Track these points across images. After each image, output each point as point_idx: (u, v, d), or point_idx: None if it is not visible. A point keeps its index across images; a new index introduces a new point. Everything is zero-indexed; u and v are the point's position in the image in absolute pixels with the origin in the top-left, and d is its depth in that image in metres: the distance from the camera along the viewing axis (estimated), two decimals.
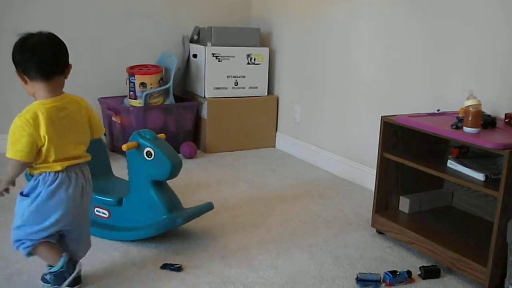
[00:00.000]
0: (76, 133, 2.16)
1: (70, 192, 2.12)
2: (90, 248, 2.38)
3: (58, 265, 2.18)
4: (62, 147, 2.09)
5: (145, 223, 2.68)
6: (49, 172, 2.09)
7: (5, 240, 2.49)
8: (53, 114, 2.06)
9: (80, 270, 2.22)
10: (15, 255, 2.37)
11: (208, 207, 2.82)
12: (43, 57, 2.05)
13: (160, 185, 2.71)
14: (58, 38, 2.15)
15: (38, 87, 2.07)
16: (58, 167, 2.09)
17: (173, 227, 2.68)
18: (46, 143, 2.03)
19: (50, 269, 2.22)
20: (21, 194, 2.15)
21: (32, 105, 2.06)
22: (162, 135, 2.77)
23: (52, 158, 2.07)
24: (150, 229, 2.65)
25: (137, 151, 2.66)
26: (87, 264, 2.44)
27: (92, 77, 4.45)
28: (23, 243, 2.18)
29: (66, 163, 2.11)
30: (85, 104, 2.23)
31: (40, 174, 2.10)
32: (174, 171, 2.65)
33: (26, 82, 2.08)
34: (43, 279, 2.27)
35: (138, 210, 2.70)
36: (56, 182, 2.10)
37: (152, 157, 2.62)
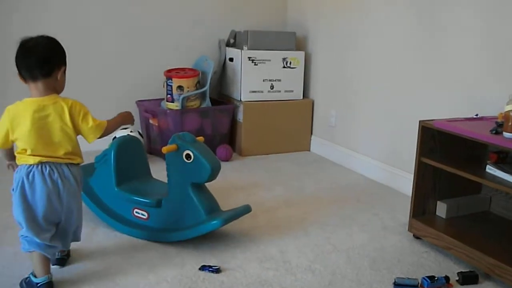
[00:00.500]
0: (52, 135, 2.22)
1: (45, 186, 2.21)
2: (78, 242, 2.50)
3: (39, 279, 2.26)
4: (37, 144, 2.20)
5: (184, 225, 2.72)
6: (25, 164, 2.21)
7: None
8: (33, 113, 2.18)
9: None
10: None
11: (246, 210, 2.85)
12: (30, 61, 2.19)
13: (198, 187, 2.74)
14: (52, 43, 2.27)
15: (29, 87, 2.23)
16: (31, 160, 2.20)
17: (212, 230, 2.71)
18: (18, 136, 2.19)
19: (30, 275, 2.30)
20: (12, 190, 2.26)
21: (19, 101, 2.22)
22: (201, 138, 2.81)
23: (28, 151, 2.20)
24: (189, 231, 2.69)
25: (176, 154, 2.69)
26: (127, 264, 2.50)
27: (130, 80, 4.52)
28: (26, 241, 2.28)
29: (39, 159, 2.20)
30: (74, 110, 2.25)
31: (20, 165, 2.23)
32: (213, 174, 2.68)
33: (24, 82, 2.24)
34: (21, 284, 2.32)
35: (177, 212, 2.75)
36: (30, 174, 2.20)
37: (191, 159, 2.65)
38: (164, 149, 2.68)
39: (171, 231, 2.75)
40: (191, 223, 2.70)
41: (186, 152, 2.66)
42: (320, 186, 3.78)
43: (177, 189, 2.74)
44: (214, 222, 2.64)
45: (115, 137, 3.86)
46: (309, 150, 4.75)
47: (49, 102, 2.21)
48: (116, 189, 2.91)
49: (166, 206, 2.78)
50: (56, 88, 2.26)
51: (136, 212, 2.87)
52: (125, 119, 2.53)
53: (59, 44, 2.28)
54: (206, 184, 2.80)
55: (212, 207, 2.75)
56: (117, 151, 2.92)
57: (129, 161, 2.99)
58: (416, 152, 2.79)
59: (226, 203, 2.99)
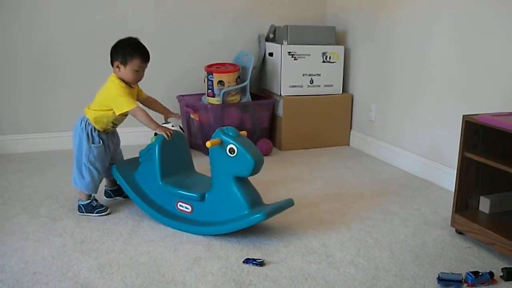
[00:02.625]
0: None
1: None
2: None
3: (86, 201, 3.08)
4: None
5: (228, 218, 2.76)
6: None
7: None
8: None
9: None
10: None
11: (289, 203, 2.87)
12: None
13: (242, 181, 2.78)
14: (115, 43, 3.04)
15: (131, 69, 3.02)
16: None
17: (255, 223, 2.74)
18: None
19: (80, 201, 3.10)
20: None
21: None
22: (244, 132, 2.84)
23: None
24: (232, 224, 2.73)
25: (220, 148, 2.73)
26: (173, 256, 2.55)
27: (171, 76, 4.59)
28: None
29: None
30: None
31: None
32: (256, 168, 2.71)
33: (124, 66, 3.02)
34: (79, 210, 3.10)
35: (221, 205, 2.78)
36: None
37: (235, 153, 2.69)
38: (208, 143, 2.72)
39: (215, 224, 2.79)
40: (235, 216, 2.74)
41: (230, 146, 2.70)
42: (361, 180, 3.79)
43: (221, 182, 2.78)
44: (257, 215, 2.67)
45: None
46: (348, 145, 4.76)
47: None
48: (160, 183, 2.96)
49: (210, 200, 2.82)
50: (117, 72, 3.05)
51: (180, 205, 2.91)
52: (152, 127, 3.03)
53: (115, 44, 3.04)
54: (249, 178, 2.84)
55: (255, 201, 2.78)
56: (162, 146, 2.97)
57: (173, 155, 3.04)
58: (459, 146, 2.78)
59: (268, 197, 3.02)
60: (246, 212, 2.72)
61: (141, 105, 3.14)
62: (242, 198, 2.73)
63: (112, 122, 3.10)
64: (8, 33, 4.14)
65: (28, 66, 4.24)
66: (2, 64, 4.17)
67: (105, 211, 3.10)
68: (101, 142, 3.08)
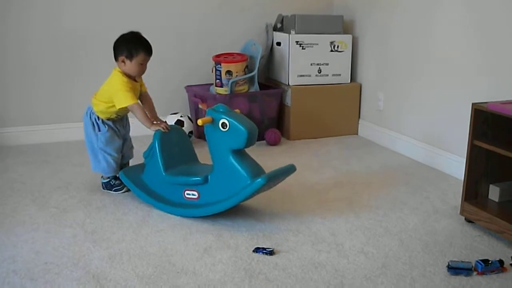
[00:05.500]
0: None
1: None
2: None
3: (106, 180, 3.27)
4: None
5: (232, 193, 2.76)
6: None
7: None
8: None
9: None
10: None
11: (291, 169, 2.88)
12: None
13: (240, 153, 2.80)
14: (117, 38, 3.15)
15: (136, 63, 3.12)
16: None
17: (258, 189, 2.71)
18: None
19: (103, 179, 3.29)
20: None
21: None
22: (237, 111, 2.89)
23: None
24: (236, 196, 2.74)
25: (213, 125, 2.77)
26: (183, 246, 2.56)
27: (179, 66, 4.59)
28: None
29: None
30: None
31: None
32: (251, 138, 2.73)
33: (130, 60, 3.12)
34: (101, 187, 3.31)
35: (224, 182, 2.80)
36: None
37: (228, 127, 2.72)
38: (200, 121, 2.76)
39: (221, 202, 2.80)
40: (238, 189, 2.74)
41: (222, 121, 2.73)
42: (369, 169, 3.79)
43: (220, 160, 2.81)
44: (258, 180, 2.66)
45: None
46: (357, 134, 4.75)
47: None
48: (164, 174, 2.98)
49: (213, 180, 2.84)
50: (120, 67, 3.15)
51: (187, 193, 2.93)
52: (148, 125, 3.11)
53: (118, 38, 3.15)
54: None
55: (256, 171, 2.78)
56: (160, 140, 3.02)
57: (173, 148, 3.08)
58: (469, 135, 2.77)
59: (276, 187, 3.01)
60: (248, 182, 2.72)
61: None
62: (242, 169, 2.74)
63: (115, 113, 3.21)
64: (23, 24, 4.16)
65: (40, 57, 4.26)
66: (15, 55, 4.19)
67: (122, 189, 3.26)
68: (107, 128, 3.20)
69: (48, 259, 2.43)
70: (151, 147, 3.05)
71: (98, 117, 3.19)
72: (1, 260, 2.41)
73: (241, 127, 2.69)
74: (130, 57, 3.07)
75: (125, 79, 3.10)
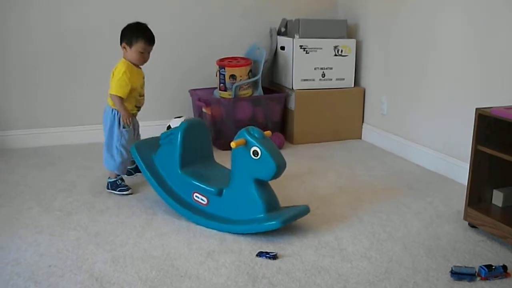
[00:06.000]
0: None
1: None
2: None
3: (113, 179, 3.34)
4: None
5: (242, 218, 2.76)
6: None
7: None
8: None
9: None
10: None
11: (305, 210, 2.85)
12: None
13: (262, 183, 2.77)
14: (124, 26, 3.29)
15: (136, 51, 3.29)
16: None
17: (269, 229, 2.71)
18: None
19: (109, 179, 3.35)
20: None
21: None
22: (268, 133, 2.82)
23: None
24: (247, 226, 2.73)
25: (243, 149, 2.71)
26: (186, 249, 2.56)
27: (183, 70, 4.60)
28: None
29: None
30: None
31: None
32: (278, 173, 2.70)
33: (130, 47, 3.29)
34: (106, 187, 3.36)
35: (237, 203, 2.79)
36: None
37: (258, 156, 2.67)
38: (233, 144, 2.68)
39: (229, 222, 2.79)
40: (250, 217, 2.74)
41: (254, 148, 2.68)
42: (373, 174, 3.79)
43: (240, 182, 2.77)
44: (273, 222, 2.66)
45: (169, 126, 3.95)
46: (360, 138, 4.75)
47: None
48: (179, 171, 2.96)
49: (227, 196, 2.82)
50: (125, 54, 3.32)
51: (196, 196, 2.92)
52: (123, 113, 3.26)
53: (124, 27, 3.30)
54: None
55: (272, 205, 2.78)
56: (184, 134, 2.97)
57: (194, 144, 3.03)
58: (472, 140, 2.77)
59: (280, 191, 3.01)
60: (262, 215, 2.71)
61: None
62: (260, 201, 2.73)
63: (135, 106, 3.37)
64: (25, 25, 4.18)
65: (44, 60, 4.27)
66: (18, 58, 4.20)
67: (127, 191, 3.32)
68: (130, 125, 3.34)
69: (52, 262, 2.44)
70: (173, 133, 3.00)
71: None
72: (5, 263, 2.42)
73: (271, 161, 2.65)
74: (129, 44, 3.24)
75: (126, 66, 3.25)
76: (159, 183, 3.03)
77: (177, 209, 2.95)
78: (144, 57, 3.30)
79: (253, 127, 2.78)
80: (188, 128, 2.99)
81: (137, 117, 3.46)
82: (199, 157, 3.08)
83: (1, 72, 4.18)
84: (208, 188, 2.87)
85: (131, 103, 3.32)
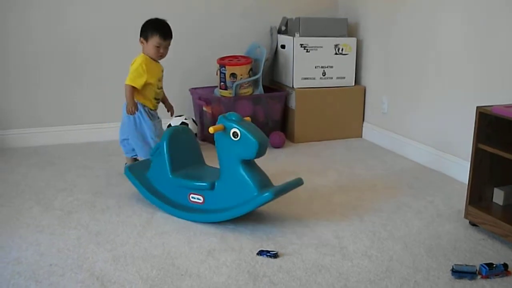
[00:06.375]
0: None
1: None
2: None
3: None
4: None
5: (238, 202, 2.77)
6: None
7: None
8: None
9: None
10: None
11: (298, 182, 2.88)
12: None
13: (249, 164, 2.80)
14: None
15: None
16: None
17: (264, 203, 2.73)
18: None
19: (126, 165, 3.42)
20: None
21: None
22: (247, 118, 2.87)
23: None
24: (242, 207, 2.74)
25: (224, 133, 2.76)
26: (187, 248, 2.56)
27: (184, 68, 4.59)
28: None
29: None
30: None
31: None
32: (261, 149, 2.73)
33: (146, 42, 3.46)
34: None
35: (230, 190, 2.80)
36: None
37: (239, 137, 2.71)
38: (211, 129, 2.74)
39: (226, 210, 2.80)
40: (245, 199, 2.75)
41: (233, 130, 2.72)
42: (373, 172, 3.79)
43: (228, 168, 2.80)
44: (266, 194, 2.68)
45: (170, 124, 3.95)
46: (361, 137, 4.75)
47: None
48: (170, 176, 2.98)
49: (220, 188, 2.84)
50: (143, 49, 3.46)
51: (192, 197, 2.93)
52: (128, 102, 3.38)
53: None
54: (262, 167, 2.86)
55: (263, 183, 2.79)
56: (169, 141, 3.01)
57: (181, 150, 3.08)
58: (473, 138, 2.77)
59: None
60: (255, 194, 2.73)
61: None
62: (250, 180, 2.74)
63: (154, 98, 3.51)
64: (26, 25, 4.18)
65: (44, 59, 4.27)
66: (18, 57, 4.20)
67: None
68: (157, 117, 3.55)
69: (52, 261, 2.44)
70: (159, 146, 3.05)
71: (149, 108, 3.48)
72: (6, 262, 2.42)
73: (252, 138, 2.68)
74: (146, 38, 3.40)
75: (143, 59, 3.39)
76: (156, 197, 3.05)
77: (176, 214, 2.96)
78: (159, 51, 3.42)
79: (230, 112, 2.84)
80: (173, 135, 3.04)
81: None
82: (189, 162, 3.12)
83: (1, 71, 4.18)
84: (200, 184, 2.88)
85: (150, 95, 3.45)
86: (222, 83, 4.28)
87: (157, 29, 3.38)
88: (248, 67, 4.29)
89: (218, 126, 2.76)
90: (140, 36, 3.42)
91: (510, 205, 2.87)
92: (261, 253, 2.53)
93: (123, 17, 4.34)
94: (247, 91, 4.30)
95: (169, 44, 3.47)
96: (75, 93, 4.38)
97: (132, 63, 3.41)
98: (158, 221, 2.90)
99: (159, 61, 3.52)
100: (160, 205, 3.02)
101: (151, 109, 3.50)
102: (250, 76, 4.30)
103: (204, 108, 4.32)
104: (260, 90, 4.38)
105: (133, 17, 4.29)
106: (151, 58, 3.43)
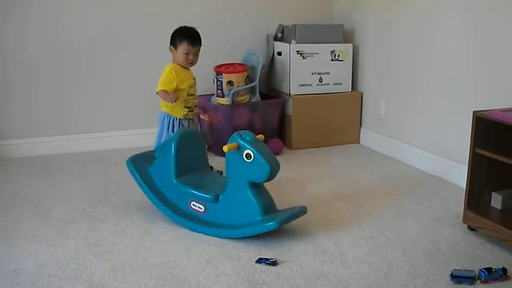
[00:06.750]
0: None
1: None
2: None
3: None
4: None
5: (240, 222, 2.76)
6: None
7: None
8: None
9: None
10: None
11: (302, 211, 2.86)
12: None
13: (257, 186, 2.77)
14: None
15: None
16: None
17: (268, 231, 2.71)
18: None
19: None
20: None
21: None
22: (260, 136, 2.83)
23: None
24: (244, 229, 2.73)
25: (236, 152, 2.72)
26: (185, 257, 2.56)
27: None
28: None
29: None
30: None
31: None
32: (272, 174, 2.70)
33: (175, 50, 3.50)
34: None
35: (234, 208, 2.79)
36: None
37: (251, 159, 2.68)
38: (225, 148, 2.70)
39: (227, 227, 2.79)
40: (247, 221, 2.74)
41: (247, 151, 2.69)
42: (372, 178, 3.79)
43: (236, 186, 2.77)
44: (270, 224, 2.66)
45: None
46: (358, 143, 4.75)
47: None
48: (175, 181, 2.96)
49: (224, 202, 2.82)
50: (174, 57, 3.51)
51: (193, 205, 2.92)
52: (166, 97, 3.33)
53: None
54: None
55: (269, 207, 2.78)
56: (178, 143, 2.97)
57: (188, 153, 3.04)
58: (470, 143, 2.78)
59: (279, 197, 3.01)
60: (259, 218, 2.72)
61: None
62: (256, 203, 2.73)
63: (185, 107, 3.47)
64: (24, 34, 4.18)
65: (42, 69, 4.27)
66: (16, 67, 4.20)
67: None
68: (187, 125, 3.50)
69: (51, 272, 2.43)
70: (166, 144, 3.01)
71: (176, 118, 3.45)
72: (5, 273, 2.41)
73: (265, 163, 2.66)
74: (175, 46, 3.46)
75: (172, 66, 3.44)
76: (156, 195, 3.04)
77: (175, 219, 2.95)
78: (188, 58, 3.45)
79: (245, 131, 2.80)
80: (182, 137, 3.00)
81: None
82: (195, 166, 3.08)
83: None
84: (204, 195, 2.87)
85: (180, 102, 3.40)
86: (219, 91, 4.28)
87: (185, 36, 3.43)
88: (245, 74, 4.30)
89: (232, 145, 2.72)
90: (170, 44, 3.47)
91: (508, 209, 2.87)
92: (260, 261, 2.52)
93: (123, 27, 4.34)
94: (244, 98, 4.31)
95: (198, 51, 3.50)
96: (73, 102, 4.38)
97: (163, 71, 3.44)
98: (157, 231, 2.89)
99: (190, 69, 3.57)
100: (158, 205, 3.01)
101: (180, 119, 3.47)
102: (247, 84, 4.30)
103: (201, 116, 4.32)
104: (257, 97, 4.38)
105: (132, 25, 4.32)
106: (181, 66, 3.46)
